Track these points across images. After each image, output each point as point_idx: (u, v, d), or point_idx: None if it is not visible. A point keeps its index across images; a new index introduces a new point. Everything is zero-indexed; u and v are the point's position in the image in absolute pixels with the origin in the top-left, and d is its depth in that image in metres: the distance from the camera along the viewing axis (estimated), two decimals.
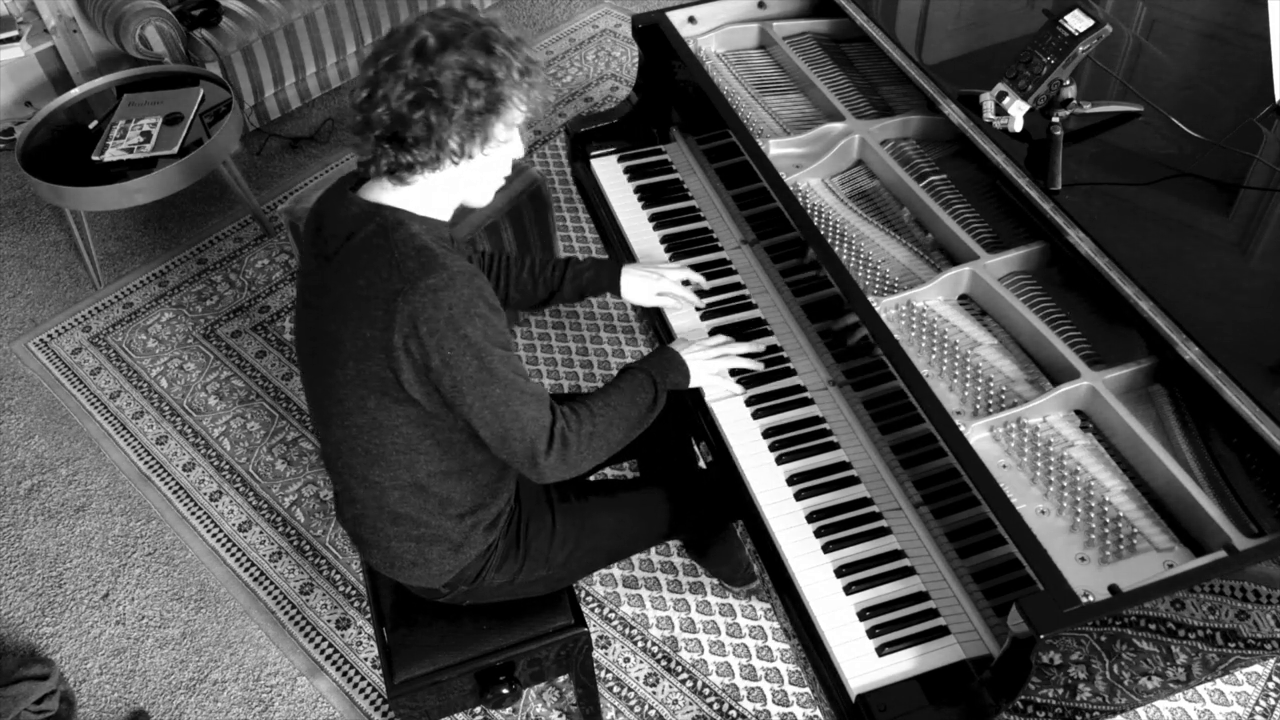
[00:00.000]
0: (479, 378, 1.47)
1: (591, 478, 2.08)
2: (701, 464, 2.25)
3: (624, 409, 1.67)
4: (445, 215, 1.56)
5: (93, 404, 2.94)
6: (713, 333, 1.93)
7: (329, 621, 2.44)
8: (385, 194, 1.51)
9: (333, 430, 1.60)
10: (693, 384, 1.79)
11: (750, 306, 1.99)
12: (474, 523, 1.67)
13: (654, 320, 2.04)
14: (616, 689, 2.27)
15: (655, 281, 1.95)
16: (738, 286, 2.02)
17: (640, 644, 2.34)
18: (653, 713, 2.24)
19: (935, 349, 1.70)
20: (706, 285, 2.00)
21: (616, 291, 1.94)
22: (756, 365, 1.85)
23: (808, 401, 1.84)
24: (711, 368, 1.80)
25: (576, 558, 1.81)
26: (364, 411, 1.53)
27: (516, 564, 1.75)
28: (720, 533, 2.30)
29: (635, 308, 2.16)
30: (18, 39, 3.61)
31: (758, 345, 1.88)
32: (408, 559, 1.69)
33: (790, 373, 1.88)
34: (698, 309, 1.98)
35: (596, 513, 1.83)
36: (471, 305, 1.45)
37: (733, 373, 1.85)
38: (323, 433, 1.64)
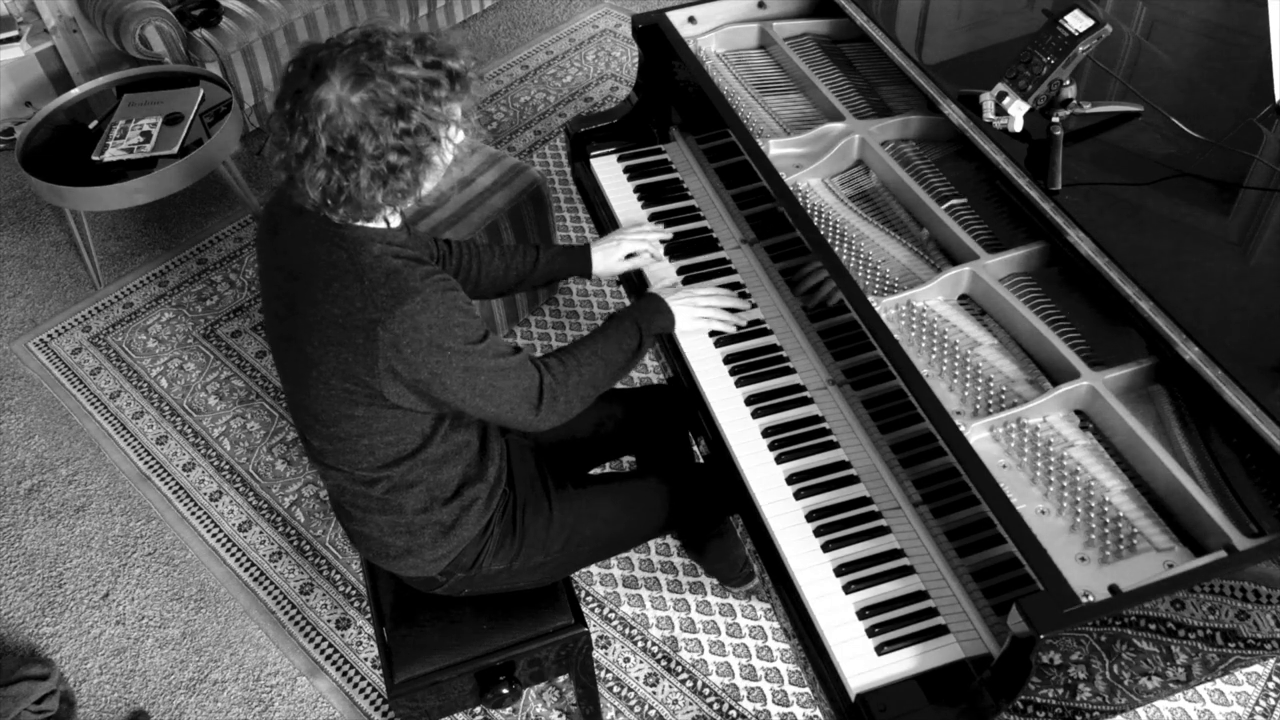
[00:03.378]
0: (466, 377, 1.52)
1: (590, 471, 2.10)
2: (699, 458, 2.26)
3: (609, 355, 1.73)
4: (397, 222, 1.57)
5: (93, 404, 2.94)
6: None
7: (329, 621, 2.44)
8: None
9: (317, 435, 1.63)
10: (678, 329, 1.85)
11: (752, 306, 1.99)
12: (464, 504, 1.69)
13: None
14: (616, 689, 2.27)
15: (617, 246, 2.02)
16: (738, 286, 2.02)
17: (640, 644, 2.34)
18: (653, 713, 2.24)
19: (935, 349, 1.70)
20: (667, 234, 2.09)
21: (588, 273, 2.01)
22: (740, 319, 1.92)
23: (807, 401, 1.84)
24: (697, 313, 1.87)
25: (574, 545, 1.82)
26: (351, 419, 1.56)
27: (513, 550, 1.76)
28: (717, 526, 2.31)
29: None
30: (18, 39, 3.62)
31: (743, 303, 1.95)
32: (400, 547, 1.70)
33: (790, 372, 1.88)
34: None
35: (594, 500, 1.85)
36: (449, 319, 1.48)
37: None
38: (308, 436, 1.66)
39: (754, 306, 1.98)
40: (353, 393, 1.51)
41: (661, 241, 2.08)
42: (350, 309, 1.46)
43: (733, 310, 1.92)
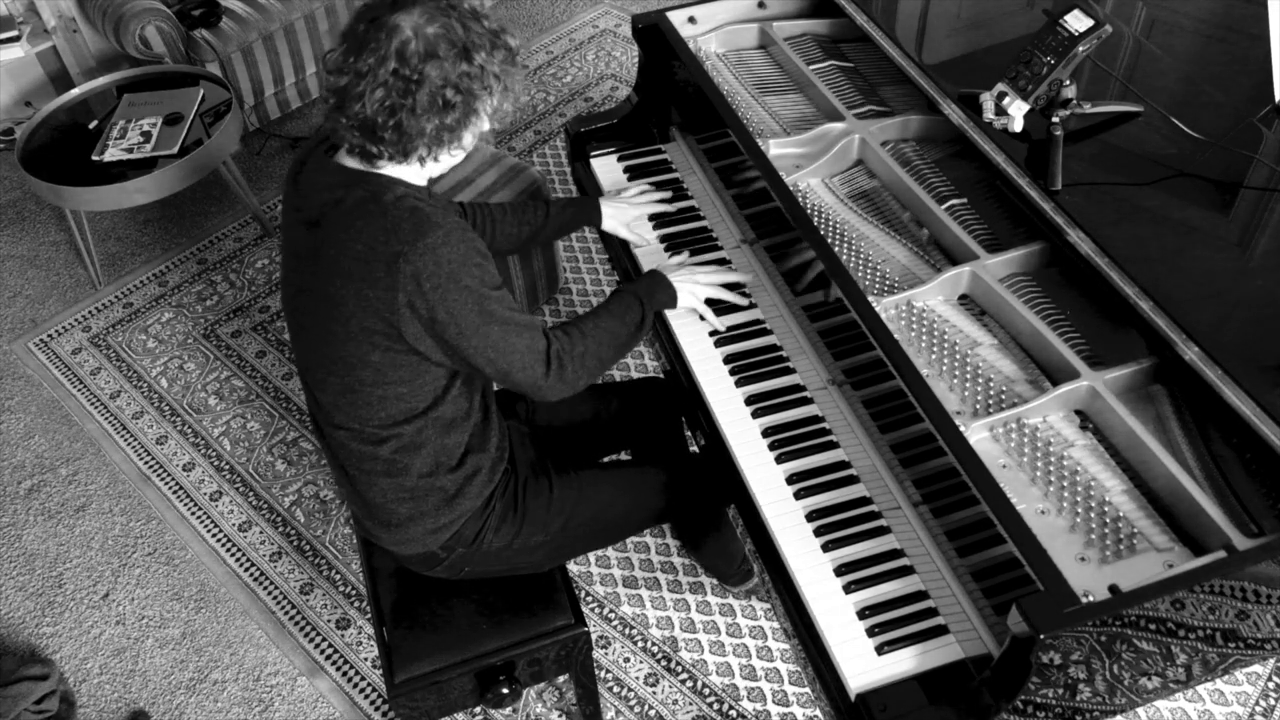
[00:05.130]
0: (479, 321, 1.54)
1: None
2: (694, 448, 2.29)
3: (614, 327, 1.77)
4: (421, 183, 1.61)
5: (93, 404, 2.94)
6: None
7: (329, 621, 2.44)
8: (361, 165, 1.56)
9: (330, 389, 1.65)
10: (680, 305, 1.89)
11: (750, 306, 1.99)
12: (468, 473, 1.71)
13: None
14: (616, 689, 2.27)
15: (628, 210, 2.11)
16: (737, 286, 2.02)
17: (640, 644, 2.34)
18: (653, 713, 2.24)
19: (935, 349, 1.70)
20: (672, 209, 2.16)
21: (598, 223, 2.10)
22: (737, 298, 1.95)
23: (807, 401, 1.84)
24: (699, 289, 1.91)
25: (573, 526, 1.83)
26: (367, 365, 1.58)
27: (515, 526, 1.78)
28: (714, 518, 2.31)
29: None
30: (18, 39, 3.61)
31: (745, 276, 1.98)
32: (403, 514, 1.71)
33: (790, 372, 1.88)
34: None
35: (593, 482, 1.88)
36: (468, 257, 1.52)
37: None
38: (319, 392, 1.68)
39: (753, 306, 1.98)
40: (372, 334, 1.54)
41: (656, 220, 2.16)
42: (373, 243, 1.50)
43: (733, 287, 1.96)
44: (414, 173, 1.58)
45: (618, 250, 2.18)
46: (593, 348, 1.72)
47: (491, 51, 1.50)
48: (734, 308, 1.97)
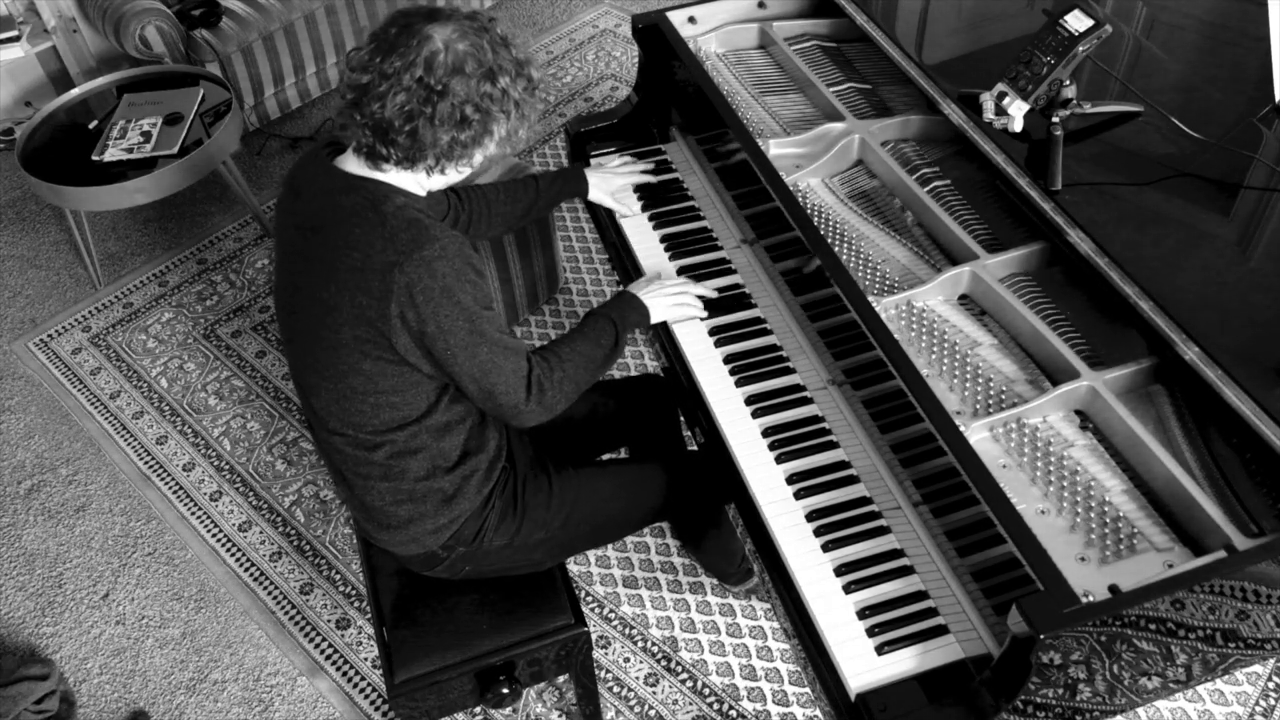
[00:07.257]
0: (469, 340, 1.55)
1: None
2: (693, 446, 2.29)
3: (589, 351, 1.77)
4: (420, 194, 1.62)
5: (93, 404, 2.94)
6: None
7: (329, 621, 2.44)
8: (364, 169, 1.57)
9: (323, 395, 1.65)
10: (653, 321, 1.91)
11: (750, 306, 1.99)
12: (465, 474, 1.71)
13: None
14: (616, 689, 2.27)
15: (612, 180, 2.16)
16: (737, 286, 2.02)
17: (640, 644, 2.34)
18: (653, 713, 2.24)
19: (935, 349, 1.70)
20: (655, 180, 2.21)
21: (585, 193, 2.14)
22: (703, 302, 1.96)
23: (807, 401, 1.84)
24: (668, 303, 1.92)
25: (574, 524, 1.84)
26: (359, 373, 1.58)
27: (514, 525, 1.79)
28: (714, 515, 2.31)
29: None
30: (18, 39, 3.61)
31: (710, 291, 1.97)
32: (403, 516, 1.72)
33: (789, 371, 1.88)
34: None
35: (593, 479, 1.88)
36: (463, 273, 1.53)
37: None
38: (313, 397, 1.68)
39: (754, 306, 1.98)
40: (364, 342, 1.54)
41: (641, 193, 2.20)
42: (370, 252, 1.50)
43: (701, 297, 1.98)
44: (415, 182, 1.59)
45: (617, 251, 2.18)
46: (570, 372, 1.73)
47: (515, 79, 1.53)
48: (729, 309, 1.97)
